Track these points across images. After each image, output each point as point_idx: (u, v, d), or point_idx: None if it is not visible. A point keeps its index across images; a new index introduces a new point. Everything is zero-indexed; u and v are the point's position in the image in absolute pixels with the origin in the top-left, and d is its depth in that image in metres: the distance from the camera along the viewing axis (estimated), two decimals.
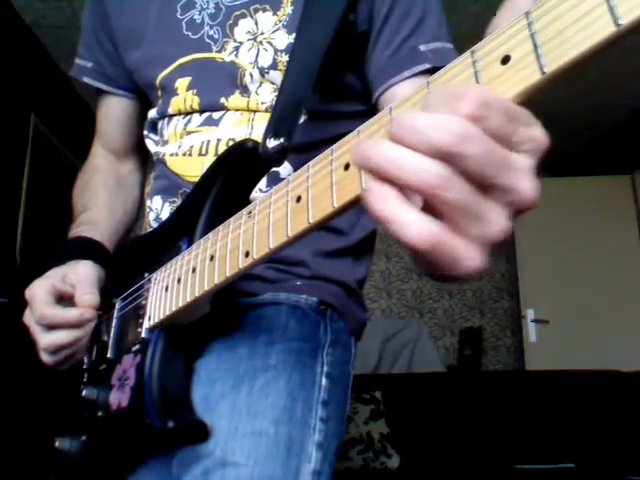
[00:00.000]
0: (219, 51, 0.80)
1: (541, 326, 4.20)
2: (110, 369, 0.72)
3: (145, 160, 1.02)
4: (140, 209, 0.97)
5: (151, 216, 0.85)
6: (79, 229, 0.85)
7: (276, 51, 0.77)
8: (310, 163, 0.44)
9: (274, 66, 0.77)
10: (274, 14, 0.78)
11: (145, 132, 0.92)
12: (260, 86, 0.78)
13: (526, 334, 4.24)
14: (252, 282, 0.76)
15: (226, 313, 0.69)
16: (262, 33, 0.78)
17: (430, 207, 0.31)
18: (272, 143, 0.66)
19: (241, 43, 0.79)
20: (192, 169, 0.79)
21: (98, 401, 0.72)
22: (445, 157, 0.29)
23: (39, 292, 0.71)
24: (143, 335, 0.68)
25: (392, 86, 0.75)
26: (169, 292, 0.65)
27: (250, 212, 0.53)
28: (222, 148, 0.78)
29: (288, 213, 0.45)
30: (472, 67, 0.33)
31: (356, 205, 0.40)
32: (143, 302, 0.71)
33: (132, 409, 0.66)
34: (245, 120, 0.78)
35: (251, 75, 0.78)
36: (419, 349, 3.99)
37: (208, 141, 0.79)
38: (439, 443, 2.79)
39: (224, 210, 0.61)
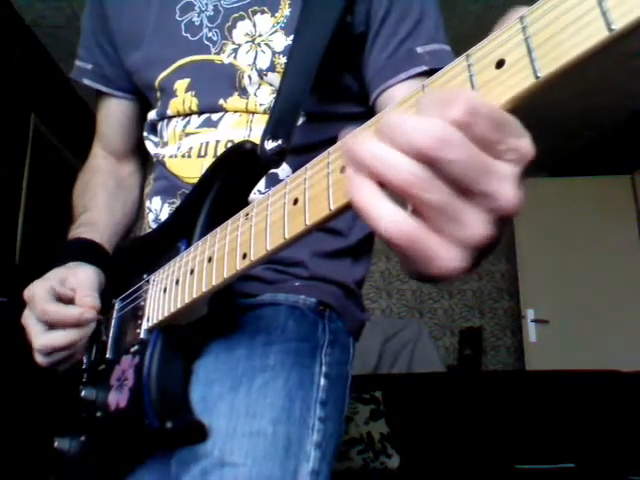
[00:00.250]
0: (218, 53, 0.80)
1: (541, 326, 4.20)
2: (109, 369, 0.73)
3: (145, 161, 1.02)
4: (140, 210, 0.97)
5: (150, 217, 0.85)
6: (79, 230, 0.85)
7: (274, 53, 0.77)
8: (307, 165, 0.45)
9: (272, 68, 0.77)
10: (272, 16, 0.78)
11: (145, 134, 0.93)
12: (259, 88, 0.78)
13: (526, 334, 4.24)
14: (250, 283, 0.76)
15: (224, 314, 0.69)
16: (260, 35, 0.78)
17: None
18: (270, 145, 0.66)
19: (239, 45, 0.79)
20: (191, 170, 0.80)
21: (97, 401, 0.72)
22: (425, 159, 0.30)
23: (39, 291, 0.71)
24: (142, 336, 0.69)
25: (389, 88, 0.76)
26: (167, 293, 0.65)
27: (247, 214, 0.53)
28: (221, 149, 0.78)
29: (285, 215, 0.46)
30: (467, 71, 0.33)
31: (353, 208, 0.40)
32: (142, 303, 0.71)
33: (131, 409, 0.66)
34: (244, 122, 0.79)
35: (249, 77, 0.78)
36: (419, 349, 3.99)
37: (207, 142, 0.79)
38: (439, 443, 2.79)
39: (223, 212, 0.62)
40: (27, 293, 0.72)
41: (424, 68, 0.74)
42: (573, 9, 0.29)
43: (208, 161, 0.77)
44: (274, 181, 0.76)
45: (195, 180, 0.77)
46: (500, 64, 0.32)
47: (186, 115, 0.83)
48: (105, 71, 0.93)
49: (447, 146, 0.30)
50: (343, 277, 0.81)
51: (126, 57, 0.88)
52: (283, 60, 0.76)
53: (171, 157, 0.83)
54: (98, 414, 0.71)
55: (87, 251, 0.82)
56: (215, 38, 0.80)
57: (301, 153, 0.73)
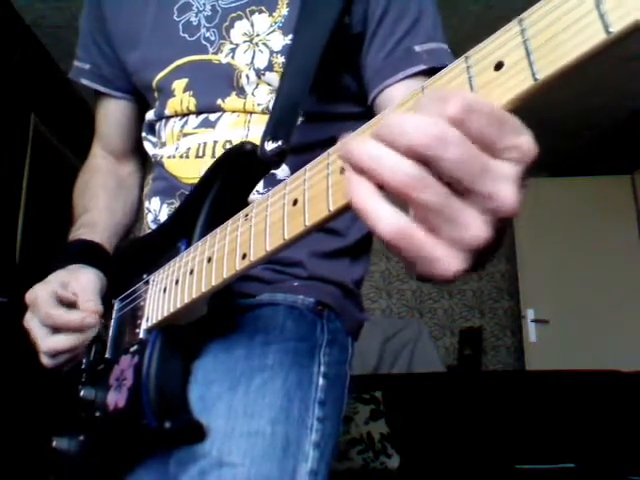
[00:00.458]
0: (215, 53, 0.80)
1: (541, 326, 4.20)
2: (108, 369, 0.73)
3: (144, 161, 1.02)
4: (139, 210, 0.97)
5: (149, 217, 0.85)
6: (79, 232, 0.85)
7: (272, 52, 0.77)
8: (307, 166, 0.45)
9: (270, 67, 0.77)
10: (270, 15, 0.78)
11: (143, 134, 0.93)
12: (256, 87, 0.78)
13: (526, 334, 4.24)
14: (249, 283, 0.76)
15: (223, 314, 0.69)
16: (258, 35, 0.78)
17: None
18: (270, 146, 0.66)
19: (237, 45, 0.79)
20: (189, 171, 0.80)
21: (96, 401, 0.72)
22: (421, 158, 0.30)
23: (42, 295, 0.71)
24: (141, 336, 0.69)
25: (387, 87, 0.75)
26: (167, 293, 0.65)
27: (247, 215, 0.54)
28: (219, 150, 0.78)
29: (285, 216, 0.46)
30: (466, 72, 0.34)
31: (352, 209, 0.40)
32: (141, 303, 0.71)
33: (129, 409, 0.66)
34: (242, 122, 0.78)
35: (247, 76, 0.78)
36: (419, 349, 3.99)
37: (205, 143, 0.79)
38: (439, 443, 2.79)
39: (222, 212, 0.62)
40: (30, 296, 0.72)
41: (422, 67, 0.74)
42: (572, 11, 0.29)
43: (206, 162, 0.77)
44: (272, 181, 0.76)
45: (193, 181, 0.77)
46: (499, 66, 0.32)
47: (184, 115, 0.83)
48: (103, 71, 0.93)
49: (443, 144, 0.29)
50: (342, 277, 0.81)
51: (124, 57, 0.88)
52: (281, 60, 0.76)
53: (169, 158, 0.83)
54: (97, 414, 0.71)
55: (88, 253, 0.82)
56: (213, 38, 0.80)
57: (299, 153, 0.73)
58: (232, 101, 0.79)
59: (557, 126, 4.13)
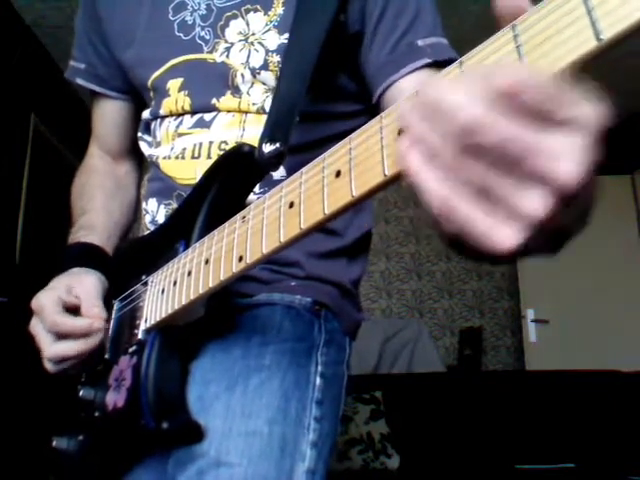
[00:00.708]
0: (210, 52, 0.80)
1: (541, 326, 4.20)
2: (107, 369, 0.73)
3: (141, 160, 1.02)
4: (137, 209, 0.97)
5: (147, 218, 0.85)
6: (78, 234, 0.85)
7: (267, 51, 0.77)
8: (303, 169, 0.45)
9: (265, 66, 0.77)
10: (265, 14, 0.78)
11: (139, 134, 0.93)
12: (252, 87, 0.78)
13: (526, 334, 4.24)
14: (247, 283, 0.76)
15: (221, 314, 0.69)
16: (253, 34, 0.78)
17: None
18: (268, 148, 0.66)
19: (232, 44, 0.79)
20: (185, 172, 0.80)
21: (95, 401, 0.72)
22: (473, 133, 0.29)
23: (48, 302, 0.71)
24: (140, 337, 0.69)
25: (394, 83, 0.74)
26: (165, 294, 0.65)
27: (244, 217, 0.54)
28: (214, 151, 0.78)
29: (281, 219, 0.46)
30: (458, 67, 0.34)
31: (346, 212, 0.41)
32: (140, 304, 0.71)
33: (128, 410, 0.66)
34: (237, 122, 0.78)
35: (242, 76, 0.78)
36: (419, 349, 3.99)
37: (200, 144, 0.79)
38: (439, 443, 2.79)
39: (220, 214, 0.62)
40: (36, 303, 0.72)
41: (427, 60, 0.74)
42: (563, 18, 0.29)
43: (202, 162, 0.77)
44: (268, 182, 0.76)
45: (189, 182, 0.77)
46: None
47: (179, 115, 0.82)
48: (98, 71, 0.93)
49: (492, 121, 0.28)
50: (339, 277, 0.81)
51: (120, 57, 0.87)
52: (276, 58, 0.76)
53: (165, 158, 0.83)
54: (96, 414, 0.72)
55: (88, 256, 0.82)
56: (208, 37, 0.80)
57: (296, 153, 0.73)
58: (227, 100, 0.79)
59: None
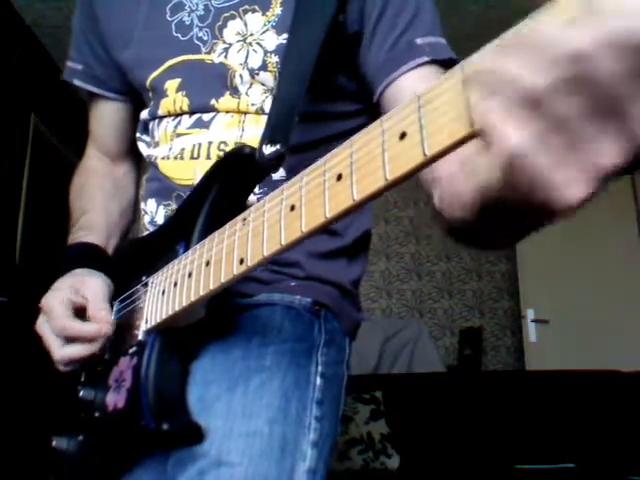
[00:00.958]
0: (208, 52, 0.80)
1: (541, 326, 4.20)
2: (107, 370, 0.73)
3: (139, 160, 1.02)
4: (136, 208, 0.97)
5: (146, 219, 0.85)
6: (78, 234, 0.85)
7: (265, 52, 0.77)
8: (304, 172, 0.45)
9: (264, 67, 0.77)
10: (263, 15, 0.78)
11: (138, 134, 0.92)
12: (250, 87, 0.78)
13: (526, 334, 4.24)
14: (247, 283, 0.76)
15: (221, 315, 0.69)
16: (251, 34, 0.78)
17: None
18: (268, 150, 0.66)
19: (230, 44, 0.79)
20: (184, 172, 0.79)
21: (95, 402, 0.72)
22: (576, 61, 0.27)
23: (57, 305, 0.71)
24: (140, 337, 0.69)
25: (394, 81, 0.74)
26: (166, 296, 0.65)
27: (245, 219, 0.54)
28: (213, 151, 0.78)
29: (282, 221, 0.46)
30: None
31: (348, 215, 0.41)
32: (140, 305, 0.71)
33: (128, 410, 0.66)
34: (236, 122, 0.78)
35: (241, 76, 0.78)
36: (419, 349, 3.99)
37: (199, 144, 0.79)
38: (439, 443, 2.79)
39: (221, 215, 0.62)
40: (45, 305, 0.73)
41: (425, 59, 0.73)
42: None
43: (201, 163, 0.77)
44: (268, 182, 0.76)
45: (188, 182, 0.77)
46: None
47: (177, 115, 0.82)
48: (95, 71, 0.93)
49: (605, 55, 0.26)
50: (339, 277, 0.81)
51: (118, 57, 0.87)
52: (275, 59, 0.76)
53: (163, 159, 0.82)
54: (96, 414, 0.72)
55: (91, 256, 0.82)
56: (206, 38, 0.80)
57: (295, 153, 0.73)
58: (226, 101, 0.79)
59: None
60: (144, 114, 0.89)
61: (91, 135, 1.00)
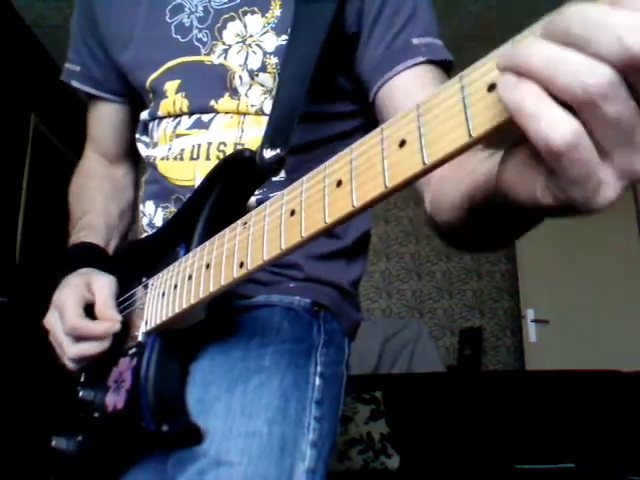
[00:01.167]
0: (208, 54, 0.80)
1: (541, 326, 4.20)
2: (107, 371, 0.73)
3: (138, 161, 1.02)
4: (135, 209, 0.98)
5: (144, 221, 0.85)
6: (80, 234, 0.86)
7: (265, 53, 0.77)
8: (304, 178, 0.46)
9: (263, 68, 0.77)
10: (263, 16, 0.78)
11: (137, 135, 0.92)
12: (250, 88, 0.78)
13: (526, 334, 4.24)
14: (246, 285, 0.76)
15: (220, 316, 0.70)
16: (251, 36, 0.78)
17: None
18: (269, 153, 0.66)
19: (230, 46, 0.79)
20: (184, 173, 0.80)
21: (95, 402, 0.73)
22: (624, 62, 0.26)
23: (70, 303, 0.71)
24: (140, 339, 0.69)
25: (389, 80, 0.74)
26: (166, 298, 0.65)
27: (245, 223, 0.54)
28: (213, 152, 0.78)
29: (282, 226, 0.47)
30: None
31: (348, 221, 0.41)
32: (140, 306, 0.72)
33: (127, 411, 0.66)
34: (235, 123, 0.78)
35: (240, 77, 0.78)
36: (419, 349, 3.99)
37: (199, 145, 0.79)
38: (439, 443, 2.79)
39: (221, 218, 0.62)
40: (57, 302, 0.73)
41: (421, 59, 0.74)
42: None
43: (201, 164, 0.77)
44: (267, 183, 0.76)
45: (187, 183, 0.77)
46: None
47: (176, 116, 0.82)
48: (93, 73, 0.93)
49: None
50: (338, 278, 0.81)
51: (117, 58, 0.87)
52: (274, 60, 0.76)
53: (162, 159, 0.82)
54: (95, 415, 0.72)
55: (93, 256, 0.82)
56: (205, 39, 0.80)
57: (294, 154, 0.73)
58: (225, 102, 0.79)
59: None
60: (144, 115, 0.89)
61: (89, 137, 1.00)
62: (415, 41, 0.75)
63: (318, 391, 0.72)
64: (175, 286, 0.64)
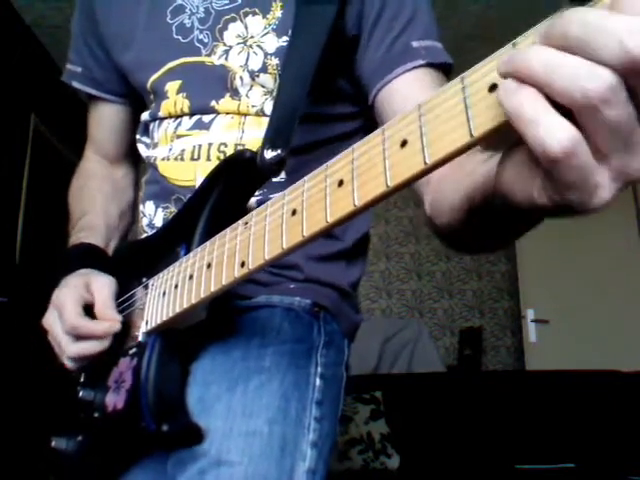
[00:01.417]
0: (209, 55, 0.80)
1: (541, 326, 4.20)
2: (107, 371, 0.73)
3: (138, 161, 1.02)
4: (135, 210, 0.98)
5: (144, 221, 0.86)
6: (80, 235, 0.86)
7: (266, 54, 0.77)
8: (306, 178, 0.46)
9: (264, 69, 0.77)
10: (264, 17, 0.78)
11: (137, 136, 0.92)
12: (250, 89, 0.78)
13: (526, 334, 4.24)
14: (246, 285, 0.76)
15: (221, 316, 0.70)
16: (252, 37, 0.78)
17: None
18: (270, 154, 0.66)
19: (231, 47, 0.79)
20: (184, 174, 0.80)
21: (95, 402, 0.73)
22: (626, 66, 0.26)
23: (69, 302, 0.71)
24: (140, 339, 0.69)
25: (388, 83, 0.75)
26: (166, 298, 0.65)
27: (247, 223, 0.54)
28: (214, 152, 0.78)
29: (283, 226, 0.47)
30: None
31: (349, 220, 0.41)
32: (141, 306, 0.72)
33: (127, 411, 0.66)
34: (236, 124, 0.79)
35: (241, 78, 0.78)
36: (419, 349, 3.99)
37: (200, 145, 0.79)
38: (439, 443, 2.79)
39: (221, 218, 0.62)
40: (56, 301, 0.73)
41: (421, 62, 0.74)
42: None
43: (202, 164, 0.77)
44: (267, 183, 0.76)
45: (188, 183, 0.77)
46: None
47: (177, 117, 0.83)
48: (94, 74, 0.93)
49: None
50: (338, 280, 0.81)
51: (118, 59, 0.87)
52: (275, 61, 0.77)
53: (163, 160, 0.82)
54: (95, 415, 0.72)
55: (93, 257, 0.82)
56: (206, 40, 0.80)
57: (295, 154, 0.73)
58: (226, 103, 0.79)
59: None
60: (145, 116, 0.89)
61: (90, 137, 1.00)
62: (415, 44, 0.75)
63: (318, 392, 0.72)
64: (176, 286, 0.64)
